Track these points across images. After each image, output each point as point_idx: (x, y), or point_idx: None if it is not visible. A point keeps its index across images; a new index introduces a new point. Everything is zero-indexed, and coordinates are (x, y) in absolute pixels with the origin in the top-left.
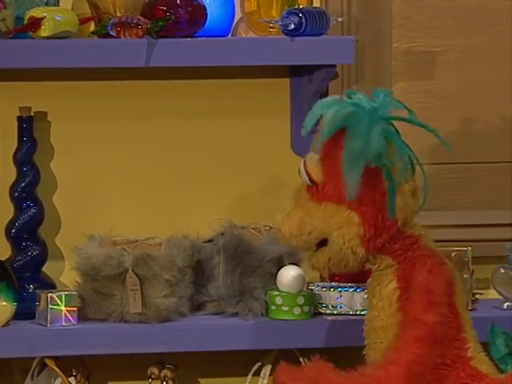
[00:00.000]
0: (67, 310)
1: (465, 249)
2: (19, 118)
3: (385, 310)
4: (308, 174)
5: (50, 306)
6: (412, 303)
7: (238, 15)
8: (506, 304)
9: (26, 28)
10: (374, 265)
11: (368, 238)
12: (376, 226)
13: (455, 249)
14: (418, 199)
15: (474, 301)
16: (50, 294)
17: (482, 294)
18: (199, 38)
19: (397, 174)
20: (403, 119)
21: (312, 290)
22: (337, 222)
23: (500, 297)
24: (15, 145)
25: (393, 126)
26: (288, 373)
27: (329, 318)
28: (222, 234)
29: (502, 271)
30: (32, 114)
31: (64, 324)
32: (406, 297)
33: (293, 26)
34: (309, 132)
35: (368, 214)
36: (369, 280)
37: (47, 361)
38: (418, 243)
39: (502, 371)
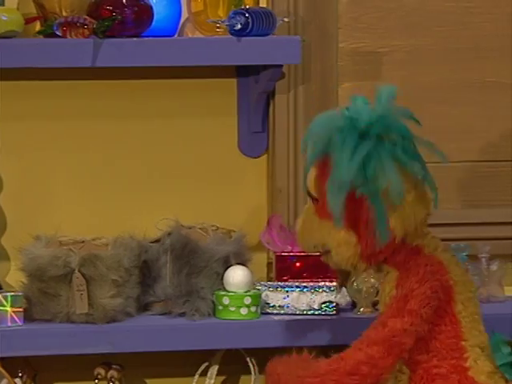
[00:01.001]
0: (13, 311)
1: None
2: None
3: None
4: (307, 188)
5: None
6: (388, 308)
7: (184, 15)
8: None
9: None
10: (381, 273)
11: (367, 256)
12: (374, 245)
13: None
14: (428, 204)
15: None
16: None
17: None
18: (145, 38)
19: (388, 197)
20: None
21: (259, 290)
22: (335, 239)
23: None
24: None
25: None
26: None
27: (276, 317)
28: (169, 234)
29: None
30: None
31: (10, 325)
32: None
33: (239, 26)
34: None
35: (364, 232)
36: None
37: None
38: (419, 252)
39: (506, 380)
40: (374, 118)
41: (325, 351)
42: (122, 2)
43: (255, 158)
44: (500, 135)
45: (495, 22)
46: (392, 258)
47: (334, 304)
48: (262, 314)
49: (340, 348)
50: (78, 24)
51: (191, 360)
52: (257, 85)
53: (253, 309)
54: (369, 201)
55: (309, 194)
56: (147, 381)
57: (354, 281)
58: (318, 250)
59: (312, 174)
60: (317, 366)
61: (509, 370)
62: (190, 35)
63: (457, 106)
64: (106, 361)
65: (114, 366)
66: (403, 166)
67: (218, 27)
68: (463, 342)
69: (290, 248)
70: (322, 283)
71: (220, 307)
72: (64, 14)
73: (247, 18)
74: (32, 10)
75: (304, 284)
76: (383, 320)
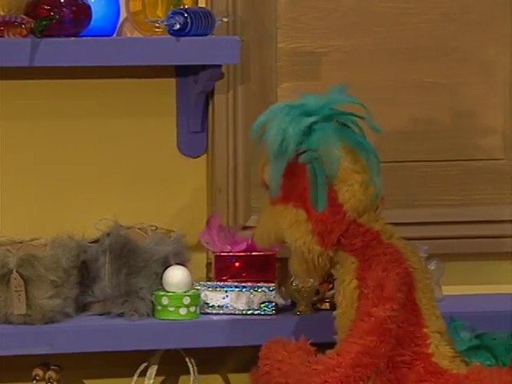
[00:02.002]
0: None
1: None
2: None
3: (348, 308)
4: (263, 179)
5: None
6: (364, 299)
7: (123, 15)
8: None
9: None
10: (338, 263)
11: (319, 233)
12: (324, 221)
13: None
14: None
15: None
16: None
17: None
18: (84, 38)
19: (328, 167)
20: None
21: (198, 290)
22: (287, 221)
23: None
24: None
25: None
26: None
27: (215, 317)
28: (108, 234)
29: None
30: None
31: None
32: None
33: (178, 26)
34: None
35: (307, 204)
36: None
37: None
38: (377, 239)
39: (467, 364)
40: (321, 102)
41: None
42: (60, 1)
43: (195, 157)
44: (437, 135)
45: (432, 22)
46: (349, 242)
47: (273, 304)
48: (202, 314)
49: None
50: (16, 23)
51: (130, 360)
52: (196, 85)
53: (192, 309)
54: (307, 169)
55: (264, 184)
56: (86, 382)
57: (293, 280)
58: (272, 241)
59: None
60: (321, 361)
61: (471, 354)
62: (128, 35)
63: (395, 106)
64: (45, 362)
65: (53, 367)
66: (351, 145)
67: (156, 27)
68: (425, 329)
69: (229, 248)
70: (261, 283)
71: (159, 307)
72: (1, 13)
73: (186, 18)
74: None
75: (243, 284)
76: (366, 311)
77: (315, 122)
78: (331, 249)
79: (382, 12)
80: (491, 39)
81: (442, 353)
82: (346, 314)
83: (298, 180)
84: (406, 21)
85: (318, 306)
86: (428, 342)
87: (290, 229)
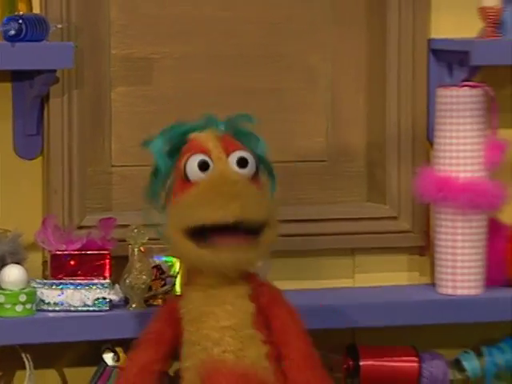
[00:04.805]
0: None
1: None
2: None
3: None
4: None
5: None
6: (286, 327)
7: None
8: None
9: None
10: None
11: None
12: None
13: None
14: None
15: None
16: None
17: None
18: None
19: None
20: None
21: (34, 287)
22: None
23: None
24: None
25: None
26: None
27: (51, 314)
28: None
29: None
30: None
31: None
32: None
33: (13, 32)
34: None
35: None
36: None
37: None
38: None
39: None
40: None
41: (98, 345)
42: None
43: (30, 159)
44: (265, 137)
45: (258, 31)
46: None
47: (108, 300)
48: (38, 310)
49: (112, 342)
50: None
51: None
52: (31, 89)
53: (28, 306)
54: None
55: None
56: None
57: (126, 278)
58: None
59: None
60: None
61: None
62: None
63: (225, 110)
64: None
65: None
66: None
67: None
68: None
69: (64, 247)
70: (96, 280)
71: None
72: None
73: (20, 24)
74: None
75: (78, 281)
76: (299, 335)
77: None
78: None
79: (211, 20)
80: (314, 47)
81: None
82: None
83: None
84: (234, 29)
85: (151, 302)
86: None
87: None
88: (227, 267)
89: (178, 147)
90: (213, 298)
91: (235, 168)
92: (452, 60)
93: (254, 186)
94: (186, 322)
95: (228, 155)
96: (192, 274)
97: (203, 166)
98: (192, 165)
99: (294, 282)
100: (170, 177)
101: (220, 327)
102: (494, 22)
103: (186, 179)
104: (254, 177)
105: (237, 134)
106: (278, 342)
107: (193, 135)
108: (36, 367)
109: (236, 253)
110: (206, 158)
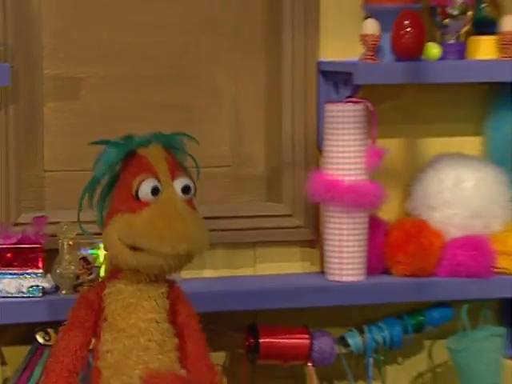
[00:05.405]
0: None
1: None
2: None
3: None
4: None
5: None
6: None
7: None
8: None
9: None
10: None
11: None
12: None
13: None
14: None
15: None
16: None
17: None
18: None
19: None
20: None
21: None
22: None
23: None
24: None
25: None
26: None
27: None
28: None
29: None
30: None
31: None
32: None
33: None
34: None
35: None
36: None
37: None
38: None
39: None
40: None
41: (32, 327)
42: None
43: None
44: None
45: (172, 53)
46: None
47: (41, 287)
48: None
49: (45, 324)
50: None
51: None
52: None
53: None
54: None
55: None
56: None
57: (56, 268)
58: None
59: None
60: None
61: None
62: None
63: (144, 123)
64: None
65: None
66: None
67: None
68: None
69: (2, 241)
70: (30, 270)
71: None
72: None
73: None
74: None
75: (14, 271)
76: (196, 330)
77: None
78: None
79: (131, 45)
80: (219, 69)
81: None
82: None
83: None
84: (150, 52)
85: (78, 288)
86: None
87: None
88: (161, 269)
89: (123, 158)
90: (141, 292)
91: (180, 194)
92: (338, 80)
93: (195, 212)
94: (113, 311)
95: (173, 179)
96: (120, 270)
97: (155, 191)
98: (145, 189)
99: (206, 271)
100: (110, 183)
101: (147, 319)
102: (373, 47)
103: (135, 198)
104: (191, 198)
105: (174, 150)
106: (178, 335)
107: (141, 151)
108: None
109: (178, 261)
110: (157, 183)
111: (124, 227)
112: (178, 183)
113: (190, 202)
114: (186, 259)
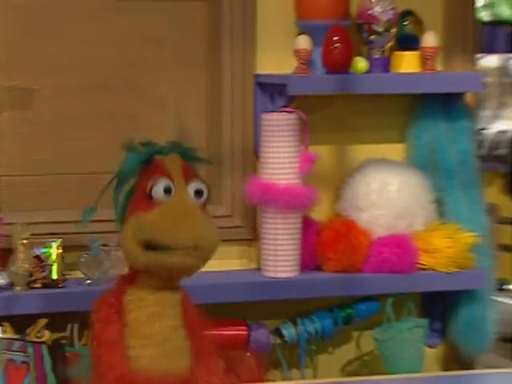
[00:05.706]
0: None
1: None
2: None
3: None
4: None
5: None
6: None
7: None
8: (88, 281)
9: None
10: None
11: None
12: None
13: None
14: None
15: (64, 280)
16: None
17: (70, 274)
18: None
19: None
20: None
21: None
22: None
23: (83, 276)
24: None
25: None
26: None
27: None
28: None
29: (85, 256)
30: None
31: None
32: None
33: None
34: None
35: None
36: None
37: None
38: None
39: None
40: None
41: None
42: None
43: None
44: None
45: (120, 66)
46: None
47: None
48: None
49: (1, 317)
50: None
51: None
52: None
53: None
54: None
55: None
56: None
57: (11, 266)
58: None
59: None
60: None
61: None
62: None
63: (92, 131)
64: None
65: None
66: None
67: None
68: None
69: None
70: None
71: None
72: None
73: None
74: None
75: None
76: (201, 330)
77: None
78: None
79: (81, 58)
80: (164, 80)
81: None
82: None
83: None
84: (99, 65)
85: (32, 285)
86: None
87: None
88: (170, 270)
89: (141, 164)
90: (163, 301)
91: (193, 197)
92: (273, 91)
93: (206, 214)
94: (136, 318)
95: (187, 183)
96: (137, 273)
97: (167, 191)
98: (159, 188)
99: None
100: (131, 187)
101: (170, 326)
102: (306, 60)
103: (149, 198)
104: (205, 204)
105: (189, 160)
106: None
107: (159, 157)
108: None
109: (187, 257)
110: (170, 184)
111: (136, 224)
112: (191, 187)
113: (202, 208)
114: (194, 260)
